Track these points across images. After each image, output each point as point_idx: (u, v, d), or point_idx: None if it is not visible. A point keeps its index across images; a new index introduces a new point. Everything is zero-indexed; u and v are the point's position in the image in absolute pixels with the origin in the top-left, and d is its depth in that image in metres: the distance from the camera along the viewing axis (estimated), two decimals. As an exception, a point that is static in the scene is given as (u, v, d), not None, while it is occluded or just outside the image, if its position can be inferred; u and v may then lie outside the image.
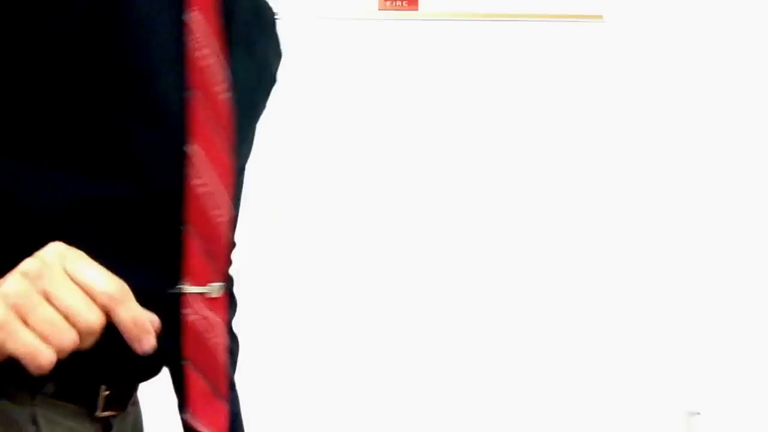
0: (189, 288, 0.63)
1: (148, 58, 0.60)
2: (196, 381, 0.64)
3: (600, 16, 2.11)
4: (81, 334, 0.46)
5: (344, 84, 2.03)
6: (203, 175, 0.62)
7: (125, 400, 0.68)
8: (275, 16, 0.81)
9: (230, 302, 0.83)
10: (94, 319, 0.46)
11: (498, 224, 2.00)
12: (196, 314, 0.63)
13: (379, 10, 2.05)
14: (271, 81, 0.81)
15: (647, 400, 1.93)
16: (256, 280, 1.79)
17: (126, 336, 0.47)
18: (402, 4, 2.05)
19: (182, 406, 0.65)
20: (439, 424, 1.91)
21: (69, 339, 0.45)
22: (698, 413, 1.93)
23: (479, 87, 2.06)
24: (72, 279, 0.46)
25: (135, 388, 0.71)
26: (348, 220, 1.98)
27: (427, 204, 2.00)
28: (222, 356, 0.67)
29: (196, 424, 0.64)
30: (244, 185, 0.76)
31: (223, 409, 0.68)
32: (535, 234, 2.00)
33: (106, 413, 0.64)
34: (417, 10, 2.07)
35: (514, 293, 1.97)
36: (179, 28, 0.61)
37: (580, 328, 1.96)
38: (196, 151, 0.62)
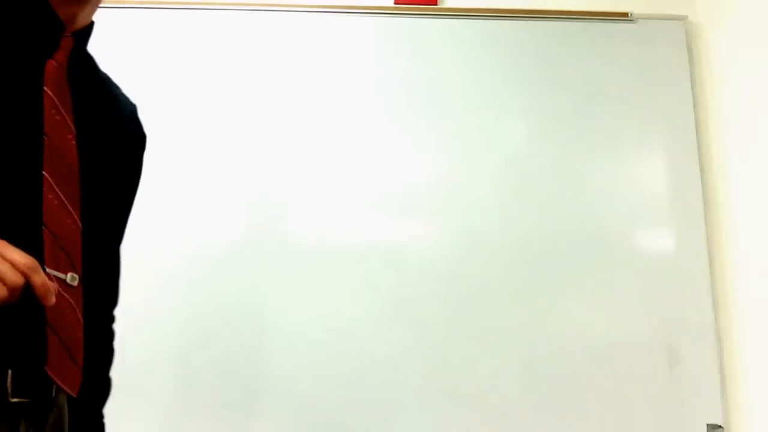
0: (49, 270, 0.83)
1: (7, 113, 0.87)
2: (55, 342, 0.84)
3: (626, 14, 2.06)
4: (9, 290, 0.72)
5: (356, 79, 2.01)
6: (53, 192, 0.88)
7: (34, 387, 0.83)
8: (134, 108, 1.14)
9: (109, 352, 1.10)
10: (18, 280, 0.73)
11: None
12: (56, 290, 0.82)
13: (395, 3, 2.03)
14: (128, 143, 1.10)
15: (669, 413, 1.87)
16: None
17: (38, 293, 0.74)
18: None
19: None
20: None
21: (3, 292, 0.71)
22: (720, 427, 1.87)
23: (501, 83, 2.03)
24: (2, 256, 0.72)
25: (42, 375, 0.85)
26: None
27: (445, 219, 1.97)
28: (78, 332, 0.89)
29: (53, 376, 0.83)
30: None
31: (77, 372, 0.88)
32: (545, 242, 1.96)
33: (16, 399, 0.81)
34: (435, 4, 2.04)
35: (519, 298, 1.93)
36: (39, 95, 0.90)
37: (600, 339, 1.91)
38: (47, 176, 0.88)
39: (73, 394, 0.88)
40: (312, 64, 2.00)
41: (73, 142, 0.93)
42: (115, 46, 1.99)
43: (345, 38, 2.03)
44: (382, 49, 2.02)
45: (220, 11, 2.02)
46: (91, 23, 1.01)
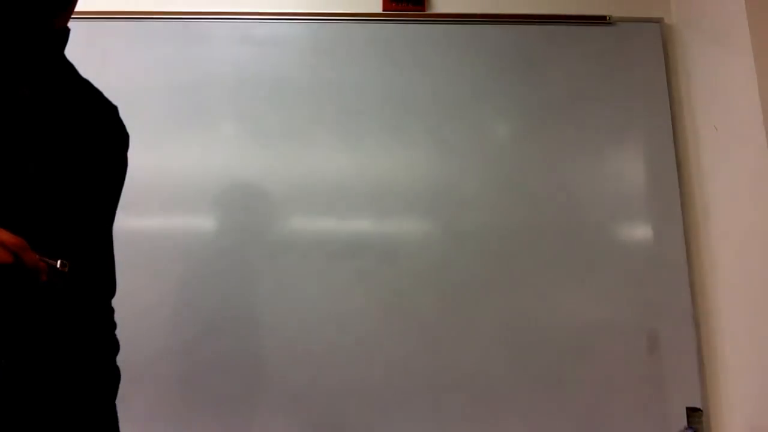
0: (39, 258, 0.89)
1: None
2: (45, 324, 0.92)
3: (605, 17, 2.15)
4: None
5: (347, 84, 2.08)
6: (38, 184, 0.94)
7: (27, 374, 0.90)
8: (115, 109, 1.18)
9: (113, 342, 1.14)
10: (7, 257, 0.80)
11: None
12: (46, 270, 0.89)
13: (383, 10, 2.11)
14: (110, 139, 1.15)
15: (650, 396, 1.93)
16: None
17: (29, 268, 0.81)
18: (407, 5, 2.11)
19: None
20: None
21: None
22: (699, 410, 1.91)
23: (486, 84, 2.10)
24: None
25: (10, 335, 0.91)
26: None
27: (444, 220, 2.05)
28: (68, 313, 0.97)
29: None
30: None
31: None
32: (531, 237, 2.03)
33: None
34: (424, 10, 2.12)
35: (512, 291, 2.00)
36: (18, 96, 0.97)
37: (583, 326, 1.97)
38: (31, 168, 0.94)
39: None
40: (303, 69, 2.09)
41: (53, 136, 1.00)
42: (111, 55, 2.08)
43: (335, 44, 2.11)
44: (371, 54, 2.11)
45: (213, 21, 2.12)
46: (67, 28, 1.08)
